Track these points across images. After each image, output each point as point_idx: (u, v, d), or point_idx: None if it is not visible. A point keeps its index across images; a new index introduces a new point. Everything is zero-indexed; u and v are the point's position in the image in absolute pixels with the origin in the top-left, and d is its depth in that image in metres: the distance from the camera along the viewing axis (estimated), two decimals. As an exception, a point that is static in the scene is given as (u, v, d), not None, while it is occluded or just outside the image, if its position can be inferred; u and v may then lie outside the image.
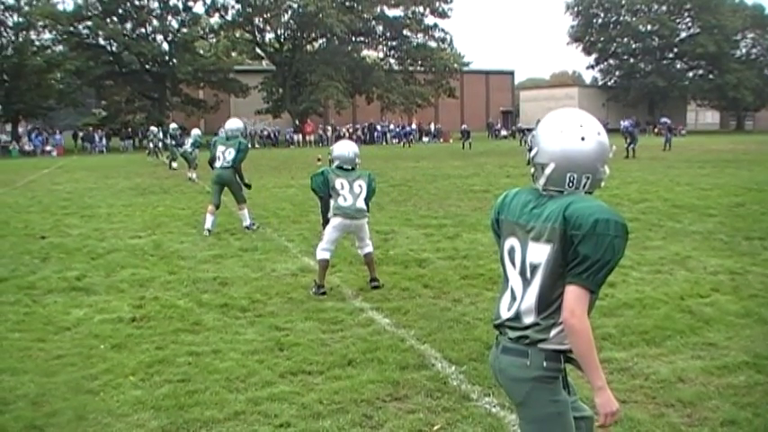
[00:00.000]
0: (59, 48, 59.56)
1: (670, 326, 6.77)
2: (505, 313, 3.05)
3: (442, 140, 65.13)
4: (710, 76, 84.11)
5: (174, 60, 61.11)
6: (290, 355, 6.26)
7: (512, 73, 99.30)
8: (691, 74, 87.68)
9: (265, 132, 63.10)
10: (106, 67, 59.54)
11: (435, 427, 4.83)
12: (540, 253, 2.90)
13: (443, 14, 69.41)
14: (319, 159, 32.74)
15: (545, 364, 2.93)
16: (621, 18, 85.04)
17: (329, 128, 64.29)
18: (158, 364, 6.11)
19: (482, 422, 4.86)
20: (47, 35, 59.59)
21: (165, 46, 62.55)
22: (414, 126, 67.63)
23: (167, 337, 6.83)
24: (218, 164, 13.05)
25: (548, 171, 2.93)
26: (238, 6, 64.05)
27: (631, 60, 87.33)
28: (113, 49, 60.35)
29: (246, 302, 8.06)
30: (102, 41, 60.62)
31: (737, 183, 19.37)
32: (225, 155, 12.96)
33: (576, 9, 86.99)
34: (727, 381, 5.48)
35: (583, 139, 2.90)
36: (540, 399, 2.95)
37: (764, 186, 18.18)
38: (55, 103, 59.71)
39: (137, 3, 60.50)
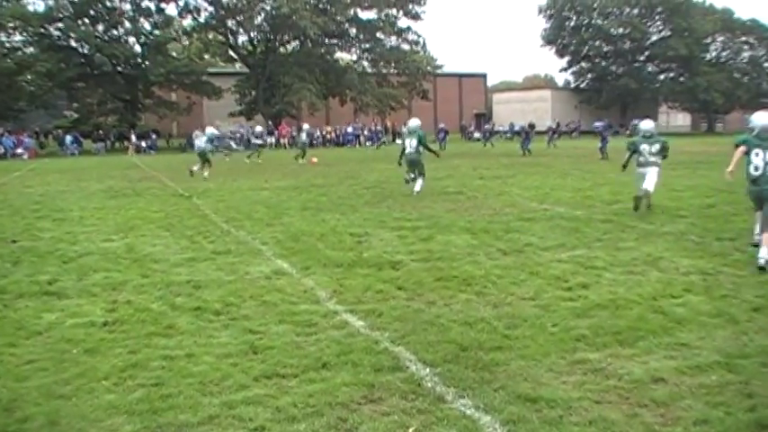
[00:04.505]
0: (30, 50, 58.78)
1: (643, 326, 6.83)
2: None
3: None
4: (681, 79, 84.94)
5: (147, 62, 60.49)
6: (265, 359, 6.24)
7: (484, 76, 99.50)
8: (662, 76, 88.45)
9: (238, 135, 62.69)
10: (78, 69, 58.66)
11: (410, 430, 4.83)
12: None
13: (416, 17, 69.41)
14: (295, 159, 32.78)
15: None
16: (593, 21, 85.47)
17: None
18: (132, 368, 6.08)
19: (457, 424, 4.87)
20: (17, 37, 58.88)
21: (138, 48, 61.93)
22: (380, 128, 67.56)
23: (140, 341, 6.79)
24: (407, 150, 19.00)
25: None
26: (211, 9, 63.68)
27: (603, 63, 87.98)
28: (85, 50, 59.53)
29: (220, 306, 8.02)
30: (73, 43, 59.83)
31: (709, 184, 19.54)
32: (411, 143, 18.88)
33: (548, 12, 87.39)
34: (700, 380, 5.54)
35: None
36: None
37: (735, 188, 18.25)
38: (26, 105, 58.99)
39: (108, 4, 59.81)
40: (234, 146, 47.25)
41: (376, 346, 6.48)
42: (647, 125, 15.12)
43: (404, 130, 19.96)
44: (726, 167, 10.47)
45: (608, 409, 5.06)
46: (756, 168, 9.93)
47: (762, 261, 9.30)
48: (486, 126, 64.65)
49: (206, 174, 25.84)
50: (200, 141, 27.93)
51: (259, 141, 41.46)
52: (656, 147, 14.68)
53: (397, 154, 19.56)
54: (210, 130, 30.30)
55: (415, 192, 18.56)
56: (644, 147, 14.67)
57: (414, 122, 19.60)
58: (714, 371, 5.73)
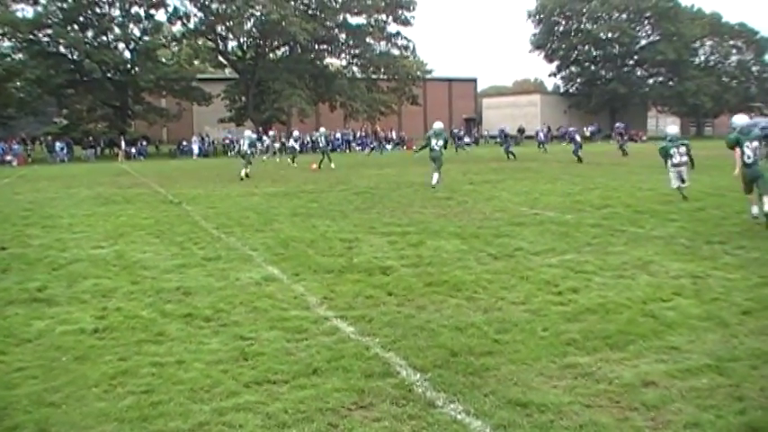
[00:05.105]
0: (19, 56, 58.60)
1: (633, 330, 6.83)
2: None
3: (405, 148, 65.08)
4: (670, 83, 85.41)
5: (136, 68, 60.39)
6: (255, 365, 6.22)
7: (474, 80, 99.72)
8: (651, 81, 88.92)
9: (227, 141, 62.53)
10: (67, 75, 58.35)
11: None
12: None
13: (406, 22, 69.51)
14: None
15: None
16: (582, 26, 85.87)
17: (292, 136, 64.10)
18: (122, 375, 6.05)
19: (448, 429, 4.87)
20: (6, 43, 58.70)
21: (127, 54, 61.82)
22: (370, 133, 67.62)
23: (130, 348, 6.76)
24: (435, 149, 22.42)
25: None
26: (201, 14, 63.58)
27: (592, 68, 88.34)
28: (75, 57, 59.26)
29: (210, 312, 8.00)
30: (63, 50, 59.56)
31: (698, 188, 19.58)
32: (438, 143, 22.42)
33: (537, 17, 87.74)
34: (690, 384, 5.54)
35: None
36: None
37: (724, 191, 18.40)
38: (15, 111, 58.79)
39: (98, 11, 59.65)
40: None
41: (366, 351, 6.47)
42: (672, 130, 18.61)
43: (434, 128, 23.25)
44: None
45: (598, 413, 5.06)
46: (749, 157, 13.08)
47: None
48: (456, 131, 64.62)
49: (248, 171, 29.11)
50: (244, 145, 30.87)
51: (296, 146, 43.87)
52: (683, 149, 17.71)
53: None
54: (248, 133, 33.52)
55: (436, 184, 21.93)
56: (673, 150, 17.60)
57: (438, 125, 23.49)
58: (704, 374, 5.74)
